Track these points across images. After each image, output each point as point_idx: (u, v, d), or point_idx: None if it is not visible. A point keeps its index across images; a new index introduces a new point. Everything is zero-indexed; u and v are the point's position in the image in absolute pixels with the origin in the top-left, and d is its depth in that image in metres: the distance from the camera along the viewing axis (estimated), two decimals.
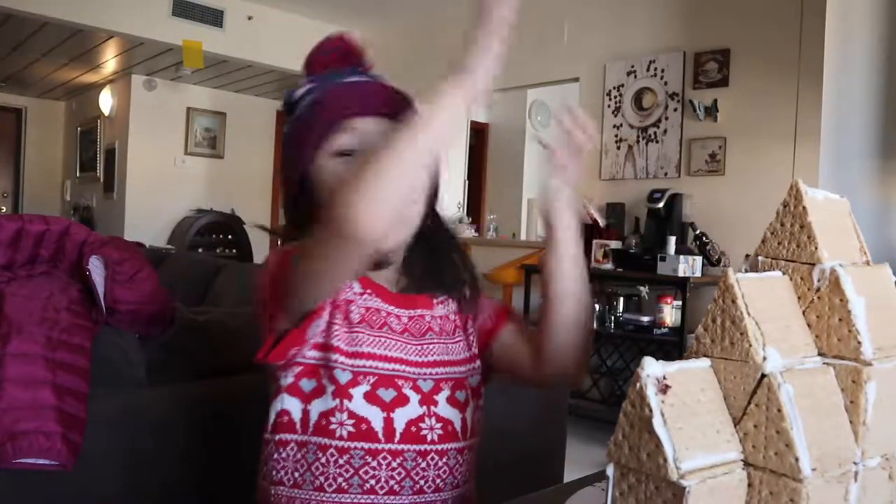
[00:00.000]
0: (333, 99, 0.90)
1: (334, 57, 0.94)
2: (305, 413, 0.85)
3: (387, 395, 0.85)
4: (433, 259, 0.94)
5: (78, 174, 7.43)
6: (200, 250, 6.21)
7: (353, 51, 0.95)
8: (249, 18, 5.36)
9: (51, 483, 1.09)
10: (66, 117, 7.95)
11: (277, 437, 0.87)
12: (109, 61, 6.01)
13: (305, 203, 0.91)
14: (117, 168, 6.48)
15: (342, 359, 0.84)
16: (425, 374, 0.89)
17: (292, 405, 0.86)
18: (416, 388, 0.87)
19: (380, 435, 0.84)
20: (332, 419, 0.84)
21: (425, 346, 0.90)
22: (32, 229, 1.26)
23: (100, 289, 1.23)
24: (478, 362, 0.95)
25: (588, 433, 3.32)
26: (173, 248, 5.34)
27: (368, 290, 0.89)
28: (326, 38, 0.96)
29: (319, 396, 0.85)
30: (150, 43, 5.19)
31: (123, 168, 6.37)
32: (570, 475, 1.16)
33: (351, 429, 0.83)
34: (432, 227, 0.94)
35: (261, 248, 6.93)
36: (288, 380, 0.86)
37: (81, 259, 1.26)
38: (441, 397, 0.89)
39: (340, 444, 0.83)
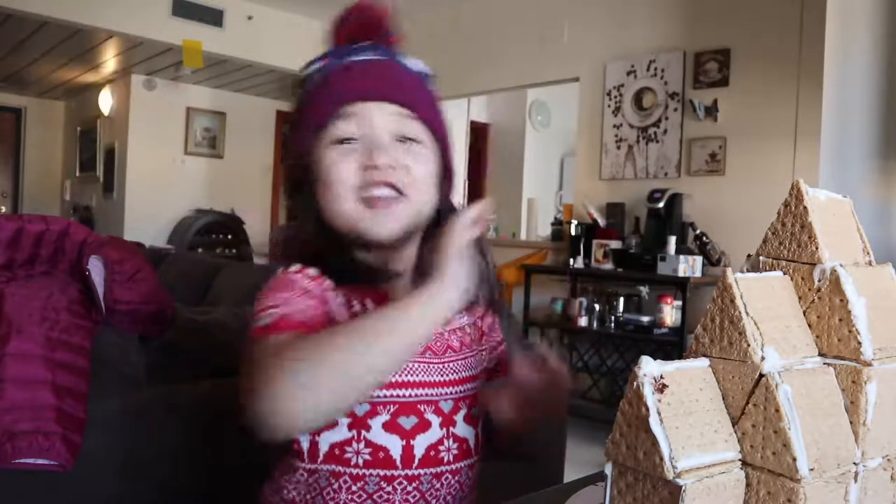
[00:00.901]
0: (335, 80, 0.82)
1: (354, 27, 0.86)
2: (314, 444, 0.81)
3: (408, 422, 0.81)
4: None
5: (77, 174, 7.43)
6: (200, 250, 6.21)
7: (375, 20, 0.87)
8: (249, 18, 5.37)
9: (50, 483, 1.09)
10: (65, 117, 7.95)
11: (288, 462, 0.84)
12: (109, 61, 6.01)
13: (305, 191, 0.85)
14: (117, 168, 6.48)
15: None
16: (446, 394, 0.85)
17: (302, 443, 0.81)
18: (438, 411, 0.84)
19: (398, 462, 0.80)
20: (348, 448, 0.80)
21: (446, 365, 0.86)
22: (32, 229, 1.26)
23: (99, 289, 1.23)
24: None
25: (588, 433, 3.32)
26: (173, 248, 5.34)
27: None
28: (352, 6, 0.88)
29: (330, 429, 0.80)
30: (149, 43, 5.19)
31: (123, 168, 6.38)
32: (570, 475, 1.16)
33: (367, 457, 0.79)
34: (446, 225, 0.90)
35: (261, 248, 6.94)
36: None
37: (81, 259, 1.26)
38: (459, 416, 0.86)
39: (355, 471, 0.79)
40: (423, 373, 0.83)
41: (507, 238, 5.30)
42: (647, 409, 0.52)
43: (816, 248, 0.61)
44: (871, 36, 3.60)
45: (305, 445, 0.81)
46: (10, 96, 7.56)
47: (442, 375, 0.85)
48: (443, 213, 0.86)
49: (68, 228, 1.31)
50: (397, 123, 0.82)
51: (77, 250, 1.29)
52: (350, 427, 0.80)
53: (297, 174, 0.86)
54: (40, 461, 1.03)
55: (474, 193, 6.78)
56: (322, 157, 0.82)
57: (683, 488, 0.50)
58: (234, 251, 6.61)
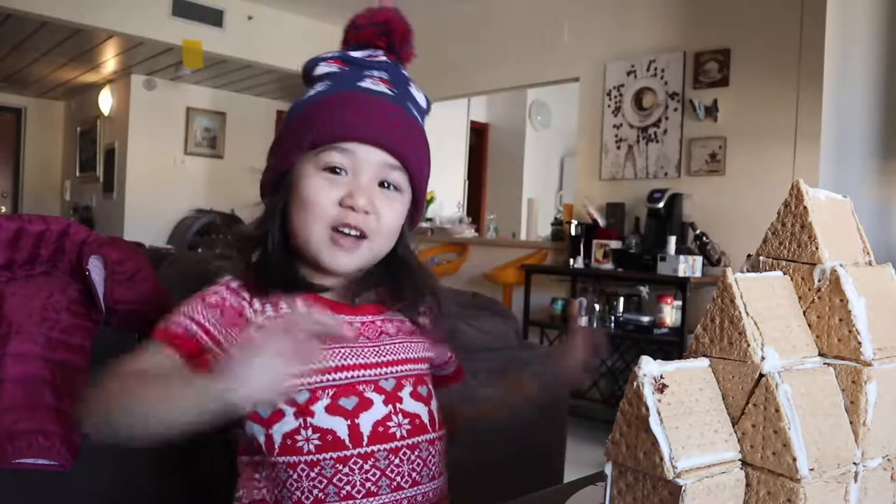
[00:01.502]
0: (338, 108, 0.85)
1: (369, 33, 0.91)
2: (269, 437, 0.84)
3: (349, 402, 0.84)
4: (390, 276, 0.93)
5: (77, 174, 7.43)
6: (200, 250, 6.21)
7: (394, 30, 0.91)
8: (249, 18, 5.37)
9: (50, 483, 1.09)
10: (65, 117, 7.95)
11: (247, 459, 0.87)
12: (109, 61, 6.01)
13: (279, 194, 0.89)
14: (117, 168, 6.48)
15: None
16: (386, 373, 0.88)
17: (257, 430, 0.85)
18: (379, 389, 0.87)
19: (347, 442, 0.83)
20: (298, 437, 0.83)
21: (382, 347, 0.89)
22: (32, 229, 1.26)
23: (99, 289, 1.23)
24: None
25: (588, 433, 3.33)
26: (173, 248, 5.34)
27: (310, 304, 0.87)
28: (370, 9, 0.92)
29: (279, 420, 0.83)
30: (149, 43, 5.20)
31: (123, 168, 6.38)
32: (570, 475, 1.16)
33: (317, 442, 0.82)
34: (394, 248, 0.93)
35: None
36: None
37: (81, 259, 1.26)
38: (405, 393, 0.89)
39: (309, 458, 0.82)
40: (356, 356, 0.87)
41: (507, 238, 5.30)
42: (647, 409, 0.52)
43: (816, 248, 0.61)
44: (871, 36, 3.60)
45: (262, 440, 0.84)
46: (10, 96, 7.56)
47: (378, 357, 0.88)
48: (398, 248, 0.93)
49: (68, 228, 1.31)
50: (385, 170, 0.86)
51: (77, 250, 1.28)
52: (296, 416, 0.83)
53: (274, 177, 0.90)
54: (40, 461, 1.03)
55: (474, 193, 6.79)
56: (307, 174, 0.86)
57: (683, 488, 0.50)
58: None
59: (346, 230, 0.85)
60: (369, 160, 0.85)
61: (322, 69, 0.90)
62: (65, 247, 1.29)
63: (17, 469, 1.02)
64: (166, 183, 6.45)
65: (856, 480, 0.57)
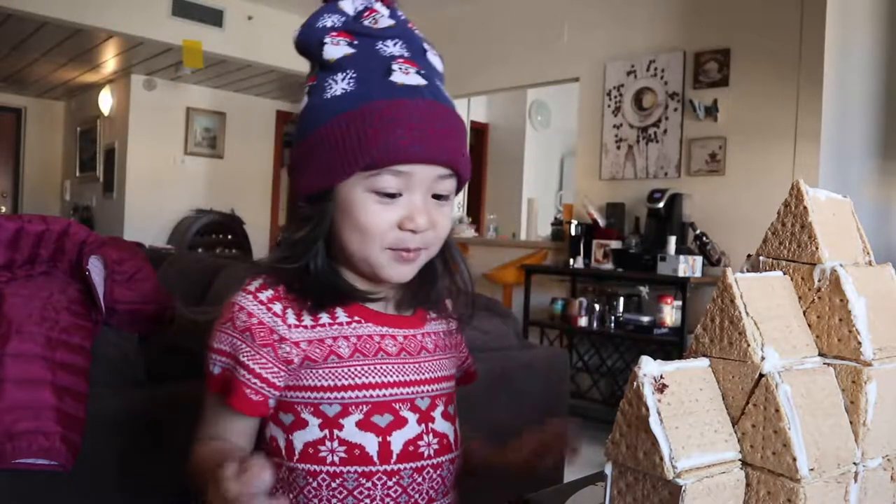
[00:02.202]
0: (390, 126, 0.78)
1: None
2: (289, 442, 0.82)
3: (382, 420, 0.82)
4: (428, 275, 0.90)
5: (77, 174, 7.43)
6: (200, 250, 6.21)
7: None
8: (249, 18, 5.37)
9: (50, 483, 1.09)
10: (65, 117, 7.95)
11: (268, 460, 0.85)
12: (109, 61, 6.01)
13: (323, 219, 0.82)
14: (117, 168, 6.48)
15: (328, 395, 0.81)
16: (422, 391, 0.86)
17: (277, 433, 0.83)
18: (415, 408, 0.85)
19: (375, 458, 0.81)
20: (322, 447, 0.81)
21: (421, 364, 0.87)
22: (32, 229, 1.26)
23: (99, 289, 1.23)
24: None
25: (588, 433, 3.32)
26: (173, 248, 5.34)
27: (357, 318, 0.85)
28: None
29: (301, 428, 0.82)
30: (149, 43, 5.19)
31: (123, 168, 6.38)
32: (570, 475, 1.16)
33: (343, 455, 0.81)
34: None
35: (261, 248, 6.94)
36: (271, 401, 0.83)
37: (81, 259, 1.26)
38: (437, 413, 0.87)
39: (332, 469, 0.81)
40: (396, 373, 0.85)
41: (507, 238, 5.30)
42: (647, 409, 0.52)
43: (816, 248, 0.61)
44: (871, 36, 3.60)
45: (282, 443, 0.82)
46: (10, 96, 7.56)
47: (417, 374, 0.86)
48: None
49: (68, 228, 1.31)
50: (437, 183, 0.82)
51: (77, 250, 1.29)
52: (321, 427, 0.81)
53: (315, 191, 0.83)
54: (40, 461, 1.03)
55: (474, 193, 6.79)
56: (357, 199, 0.80)
57: (683, 488, 0.50)
58: (233, 251, 6.61)
59: (409, 247, 0.82)
60: (424, 178, 0.80)
61: (332, 51, 0.82)
62: (65, 247, 1.29)
63: (17, 469, 1.02)
64: (166, 183, 6.45)
65: (856, 480, 0.56)
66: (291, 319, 0.81)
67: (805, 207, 0.62)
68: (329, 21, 0.84)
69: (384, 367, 0.84)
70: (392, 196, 0.80)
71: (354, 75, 0.81)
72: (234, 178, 6.81)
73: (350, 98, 0.80)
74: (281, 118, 7.17)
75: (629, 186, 4.09)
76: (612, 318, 3.83)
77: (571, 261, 4.02)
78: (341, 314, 0.84)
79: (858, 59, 3.54)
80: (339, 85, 0.81)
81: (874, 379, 0.57)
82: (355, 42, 0.82)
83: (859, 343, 0.58)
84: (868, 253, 0.67)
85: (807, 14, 3.40)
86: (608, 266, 3.81)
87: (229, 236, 6.64)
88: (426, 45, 0.87)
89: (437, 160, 0.80)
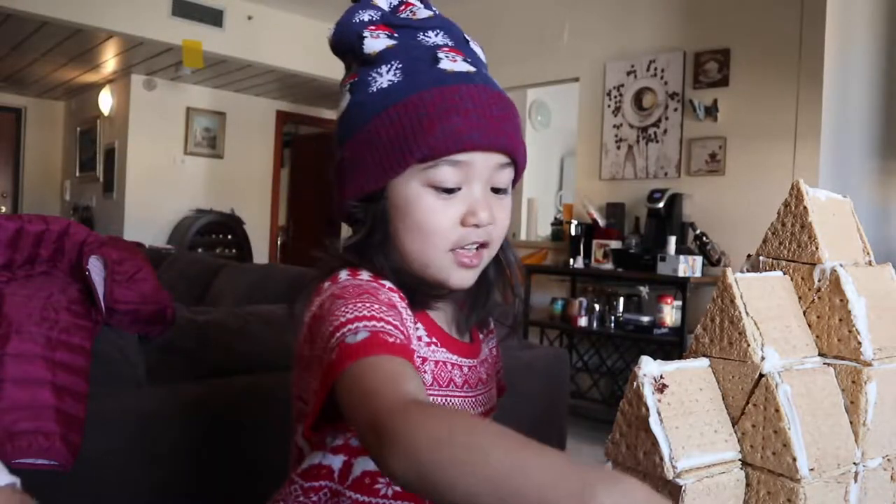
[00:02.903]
0: (445, 113, 0.72)
1: None
2: (347, 465, 0.75)
3: None
4: (483, 286, 0.83)
5: (77, 174, 7.42)
6: (200, 250, 6.22)
7: None
8: (249, 18, 5.37)
9: (50, 483, 1.09)
10: (65, 117, 7.95)
11: (308, 485, 0.76)
12: (109, 61, 6.01)
13: (380, 225, 0.77)
14: (117, 168, 6.48)
15: None
16: None
17: (334, 461, 0.76)
18: None
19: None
20: (381, 479, 0.74)
21: (479, 397, 0.83)
22: (32, 229, 1.26)
23: (99, 289, 1.23)
24: None
25: (588, 433, 3.33)
26: (173, 248, 5.34)
27: (434, 340, 0.78)
28: None
29: (367, 455, 0.73)
30: (149, 43, 5.19)
31: (123, 168, 6.38)
32: None
33: (398, 489, 0.74)
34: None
35: (261, 248, 6.94)
36: (336, 441, 0.75)
37: (81, 259, 1.26)
38: None
39: (384, 501, 0.75)
40: (462, 407, 0.80)
41: (508, 238, 5.29)
42: (647, 409, 0.52)
43: (816, 248, 0.61)
44: (871, 36, 3.60)
45: (337, 465, 0.75)
46: (10, 96, 7.56)
47: (475, 408, 0.82)
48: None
49: (68, 228, 1.31)
50: (496, 174, 0.77)
51: (77, 250, 1.28)
52: None
53: (367, 195, 0.77)
54: (40, 461, 1.03)
55: None
56: (416, 194, 0.74)
57: (683, 488, 0.50)
58: (234, 251, 6.61)
59: (470, 248, 0.77)
60: (484, 167, 0.75)
61: (374, 44, 0.77)
62: (65, 247, 1.29)
63: (18, 469, 1.02)
64: (166, 183, 6.45)
65: (856, 480, 0.56)
66: (408, 317, 0.73)
67: (805, 207, 0.62)
68: (365, 16, 0.79)
69: (453, 399, 0.79)
70: (450, 191, 0.74)
71: (400, 66, 0.76)
72: (233, 178, 6.80)
73: (398, 89, 0.75)
74: (281, 118, 7.17)
75: (629, 186, 4.09)
76: (612, 318, 3.83)
77: (571, 261, 4.02)
78: (422, 330, 0.77)
79: (858, 59, 3.54)
80: (385, 77, 0.76)
81: (874, 379, 0.57)
82: (395, 35, 0.78)
83: (859, 343, 0.58)
84: (868, 253, 0.67)
85: (807, 14, 3.40)
86: (608, 266, 3.81)
87: (229, 236, 6.64)
88: (467, 36, 0.82)
89: (496, 147, 0.75)
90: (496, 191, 0.78)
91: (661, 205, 3.69)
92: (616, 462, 0.56)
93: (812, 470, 0.52)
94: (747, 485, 0.54)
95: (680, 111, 3.87)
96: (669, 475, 0.51)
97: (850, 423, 0.57)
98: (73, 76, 6.70)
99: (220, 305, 2.58)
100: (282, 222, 7.57)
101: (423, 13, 0.80)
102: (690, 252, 3.58)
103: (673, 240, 3.58)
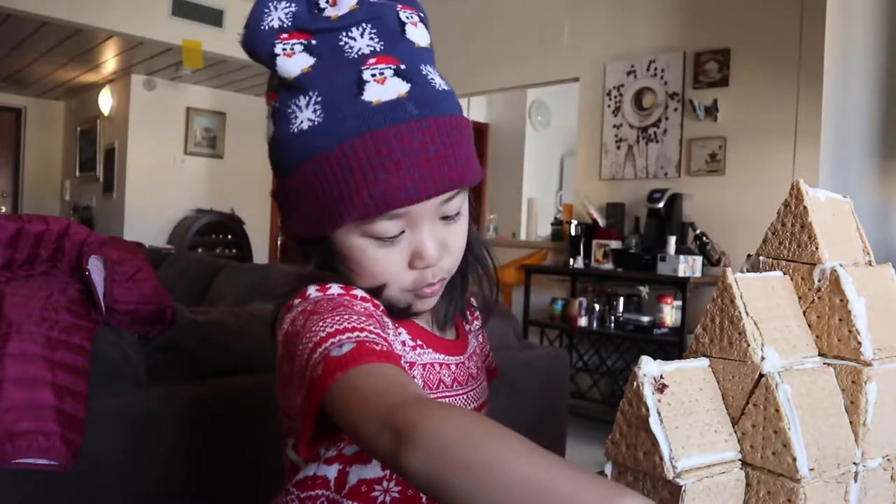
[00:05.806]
0: (375, 171, 0.65)
1: None
2: (343, 474, 0.73)
3: None
4: (455, 279, 0.81)
5: (77, 174, 7.43)
6: (200, 250, 6.22)
7: None
8: None
9: (50, 483, 1.09)
10: (65, 117, 7.95)
11: (304, 495, 0.74)
12: (109, 61, 6.01)
13: (320, 258, 0.74)
14: (117, 168, 6.48)
15: None
16: None
17: (329, 471, 0.74)
18: None
19: (424, 499, 0.75)
20: (377, 487, 0.73)
21: (470, 394, 0.81)
22: (32, 229, 1.26)
23: (99, 289, 1.23)
24: None
25: (588, 433, 3.33)
26: (173, 248, 5.34)
27: (420, 342, 0.76)
28: None
29: (364, 463, 0.73)
30: (149, 43, 5.20)
31: (123, 168, 6.38)
32: None
33: (396, 495, 0.73)
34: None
35: (261, 248, 6.94)
36: (330, 453, 0.73)
37: (81, 259, 1.26)
38: None
39: None
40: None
41: (507, 238, 5.30)
42: (647, 409, 0.52)
43: (816, 248, 0.61)
44: (871, 36, 3.60)
45: (332, 474, 0.74)
46: (10, 96, 7.56)
47: (466, 405, 0.81)
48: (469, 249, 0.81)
49: (68, 228, 1.31)
50: (443, 207, 0.71)
51: (77, 250, 1.28)
52: (384, 466, 0.71)
53: (313, 245, 0.73)
54: (40, 461, 1.03)
55: (474, 193, 6.78)
56: (358, 246, 0.70)
57: (683, 488, 0.50)
58: (234, 251, 6.61)
59: (427, 289, 0.73)
60: (426, 210, 0.70)
61: (289, 66, 0.68)
62: (65, 247, 1.29)
63: (17, 469, 1.02)
64: (166, 183, 6.45)
65: (856, 480, 0.56)
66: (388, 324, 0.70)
67: (805, 207, 0.62)
68: (276, 17, 0.69)
69: (444, 400, 0.76)
70: (394, 237, 0.70)
71: (320, 99, 0.67)
72: (233, 178, 6.81)
73: (319, 134, 0.67)
74: None
75: (629, 186, 4.09)
76: (612, 318, 3.83)
77: (571, 261, 4.02)
78: (405, 335, 0.75)
79: (858, 59, 3.54)
80: (305, 114, 0.68)
81: (874, 379, 0.57)
82: (313, 42, 0.68)
83: (859, 343, 0.58)
84: (868, 253, 0.67)
85: (807, 14, 3.40)
86: (608, 266, 3.81)
87: (229, 236, 6.65)
88: (403, 16, 0.71)
89: (437, 192, 0.68)
90: (447, 218, 0.73)
91: (661, 205, 3.69)
92: (616, 462, 0.56)
93: (812, 470, 0.52)
94: (747, 485, 0.54)
95: (680, 111, 3.87)
96: (669, 475, 0.51)
97: (850, 423, 0.57)
98: (73, 76, 6.71)
99: (220, 305, 2.58)
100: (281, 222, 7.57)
101: (348, 2, 0.69)
102: (690, 252, 3.59)
103: (673, 240, 3.58)
